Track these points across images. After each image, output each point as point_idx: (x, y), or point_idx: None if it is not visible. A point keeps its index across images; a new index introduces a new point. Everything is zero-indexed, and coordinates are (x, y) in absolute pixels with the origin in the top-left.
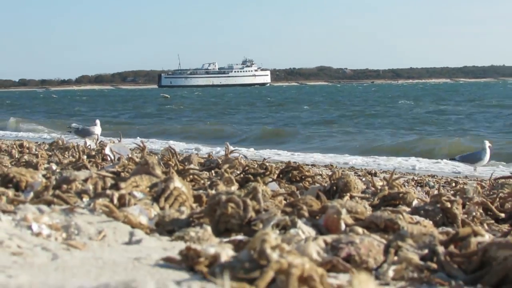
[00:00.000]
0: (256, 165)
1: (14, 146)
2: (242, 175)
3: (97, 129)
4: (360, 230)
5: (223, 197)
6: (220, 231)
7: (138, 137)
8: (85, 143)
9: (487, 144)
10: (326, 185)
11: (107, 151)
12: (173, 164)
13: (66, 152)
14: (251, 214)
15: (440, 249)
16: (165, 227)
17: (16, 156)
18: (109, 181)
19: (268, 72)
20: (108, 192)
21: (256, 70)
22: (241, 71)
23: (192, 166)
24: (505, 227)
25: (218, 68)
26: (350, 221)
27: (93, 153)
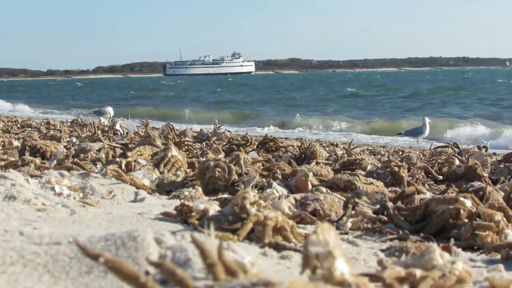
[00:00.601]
0: (239, 138)
1: (42, 124)
2: (227, 146)
3: (110, 110)
4: (324, 189)
5: (212, 163)
6: (209, 191)
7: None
8: (100, 120)
9: (427, 120)
10: (296, 153)
11: (117, 127)
12: (171, 137)
13: (85, 128)
14: (235, 177)
15: (390, 204)
16: (164, 188)
17: (44, 131)
18: (118, 151)
19: (253, 63)
20: (117, 159)
21: (243, 61)
22: (230, 62)
23: (186, 138)
24: (442, 186)
25: (212, 60)
26: (315, 182)
27: (106, 128)
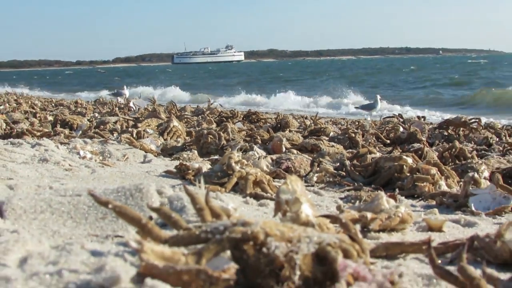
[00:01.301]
0: (228, 112)
1: (72, 103)
2: (218, 118)
3: (126, 91)
4: (295, 151)
5: (205, 131)
6: (203, 154)
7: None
8: (117, 100)
9: (379, 97)
10: (273, 123)
11: (131, 104)
12: (173, 112)
13: (105, 106)
14: (223, 142)
15: (347, 162)
16: (167, 152)
17: (72, 108)
18: (131, 123)
19: (242, 53)
20: (130, 129)
21: (234, 52)
22: (225, 53)
23: (186, 113)
24: (389, 148)
25: (210, 51)
26: (288, 145)
27: (122, 106)
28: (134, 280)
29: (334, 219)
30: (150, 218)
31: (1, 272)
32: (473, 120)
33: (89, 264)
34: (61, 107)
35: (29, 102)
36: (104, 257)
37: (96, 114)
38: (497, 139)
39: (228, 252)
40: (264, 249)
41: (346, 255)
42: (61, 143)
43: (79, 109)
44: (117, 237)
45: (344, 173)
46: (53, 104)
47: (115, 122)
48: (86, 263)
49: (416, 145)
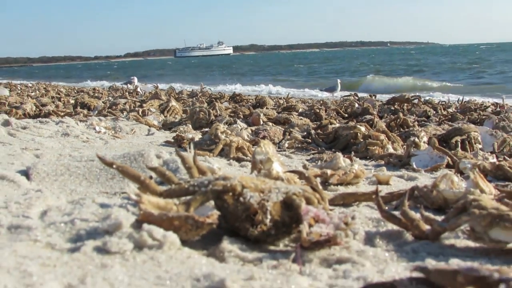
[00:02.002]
0: (217, 94)
1: (90, 89)
2: (209, 99)
3: (135, 80)
4: (270, 124)
5: (197, 109)
6: (196, 127)
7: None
8: (128, 86)
9: (339, 81)
10: (253, 102)
11: (138, 89)
12: (172, 94)
13: (117, 91)
14: (212, 117)
15: (312, 132)
16: (167, 126)
17: (91, 94)
18: (137, 103)
19: (231, 48)
20: (137, 109)
21: (225, 47)
22: (217, 47)
23: (183, 96)
24: (346, 120)
25: (205, 46)
26: (265, 119)
27: (131, 91)
28: (133, 226)
29: (299, 174)
30: (150, 177)
31: (24, 223)
32: (414, 97)
33: (97, 214)
34: (82, 93)
35: (56, 90)
36: (110, 208)
37: (110, 98)
38: (434, 112)
39: (212, 202)
40: (241, 199)
41: (309, 202)
42: (80, 121)
43: (96, 94)
44: (123, 193)
45: (310, 140)
46: (75, 91)
47: (125, 103)
48: (95, 214)
49: (368, 117)
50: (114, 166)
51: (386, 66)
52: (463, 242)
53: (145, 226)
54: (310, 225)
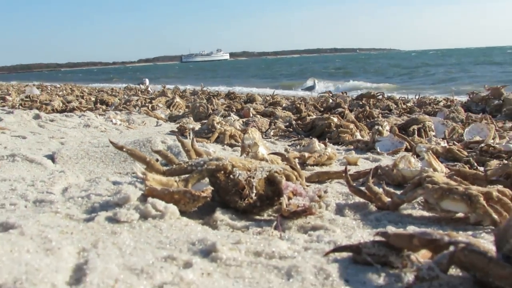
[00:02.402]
0: (215, 92)
1: (108, 89)
2: (207, 96)
3: (147, 81)
4: (259, 116)
5: (198, 104)
6: (196, 119)
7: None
8: (140, 86)
9: (316, 81)
10: (245, 99)
11: (148, 89)
12: (177, 92)
13: (132, 91)
14: (210, 111)
15: (294, 122)
16: (172, 119)
17: (109, 92)
18: (148, 100)
19: (228, 54)
20: (147, 104)
21: (222, 53)
22: (216, 54)
23: (186, 93)
24: (321, 113)
25: (206, 53)
26: (254, 112)
27: (143, 90)
28: (140, 199)
29: (281, 155)
30: (157, 160)
31: (47, 197)
32: (379, 94)
33: (110, 190)
34: (102, 92)
35: (80, 89)
36: (121, 185)
37: (125, 96)
38: (395, 106)
39: (207, 179)
40: (231, 176)
41: (288, 179)
42: (100, 115)
43: (113, 93)
44: (133, 173)
45: (291, 129)
46: (96, 90)
47: (137, 100)
48: (108, 190)
49: (340, 109)
50: (124, 149)
51: (341, 69)
52: (418, 212)
53: (150, 199)
54: (289, 198)
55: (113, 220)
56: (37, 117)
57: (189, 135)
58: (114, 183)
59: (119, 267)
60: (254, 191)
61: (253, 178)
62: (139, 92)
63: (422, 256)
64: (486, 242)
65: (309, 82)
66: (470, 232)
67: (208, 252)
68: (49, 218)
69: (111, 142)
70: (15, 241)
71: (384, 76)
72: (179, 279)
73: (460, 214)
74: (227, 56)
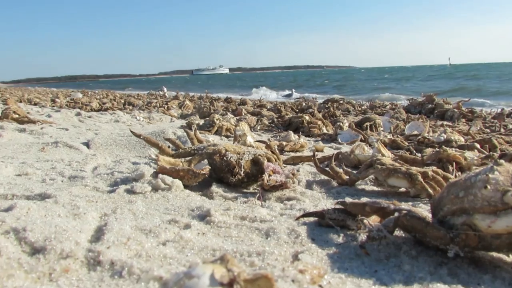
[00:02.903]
0: (216, 97)
1: (135, 94)
2: (210, 100)
3: (165, 89)
4: (249, 115)
5: (203, 106)
6: (201, 117)
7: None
8: (159, 92)
9: (293, 90)
10: (239, 102)
11: (165, 94)
12: (187, 97)
13: (152, 96)
14: (212, 111)
15: (275, 119)
16: (183, 117)
17: (135, 97)
18: (164, 103)
19: (228, 69)
20: (164, 106)
21: (223, 68)
22: (219, 69)
23: (194, 98)
24: (297, 113)
25: (211, 68)
26: (245, 112)
27: (161, 95)
28: (152, 176)
29: (264, 143)
30: (168, 146)
31: (80, 174)
32: (341, 99)
33: (130, 168)
34: (130, 96)
35: (113, 94)
36: (139, 165)
37: (148, 99)
38: (353, 108)
39: (206, 160)
40: (225, 158)
41: (269, 160)
42: (127, 113)
43: (138, 97)
44: (149, 156)
45: (274, 125)
46: (126, 95)
47: (156, 102)
48: (128, 168)
49: (311, 110)
50: (141, 137)
51: (310, 81)
52: (370, 187)
53: (160, 175)
54: (269, 175)
55: (130, 191)
56: (78, 114)
57: (194, 128)
58: (134, 163)
59: (132, 228)
60: (243, 170)
61: (242, 159)
62: (158, 96)
63: (373, 220)
64: (423, 210)
65: (288, 91)
66: (410, 203)
67: (204, 217)
68: (79, 190)
69: (132, 132)
70: (49, 208)
71: (332, 86)
72: (179, 238)
73: (403, 189)
74: (227, 71)
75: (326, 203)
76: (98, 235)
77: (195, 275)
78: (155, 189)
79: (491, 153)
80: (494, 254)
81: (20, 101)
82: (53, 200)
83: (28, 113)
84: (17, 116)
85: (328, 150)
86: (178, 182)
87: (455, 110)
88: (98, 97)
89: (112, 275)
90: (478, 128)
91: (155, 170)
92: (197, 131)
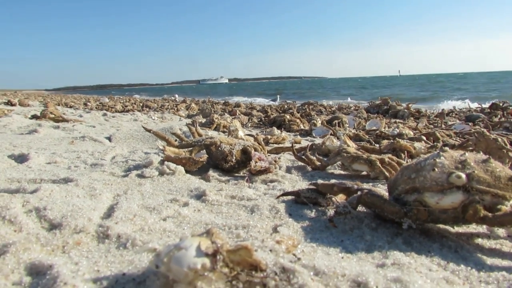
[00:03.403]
0: (215, 102)
1: (152, 99)
2: (211, 104)
3: (176, 96)
4: (242, 115)
5: (205, 107)
6: (204, 117)
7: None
8: (171, 98)
9: (278, 96)
10: (234, 105)
11: (176, 99)
12: (193, 101)
13: (166, 100)
14: (212, 112)
15: (263, 118)
16: (189, 117)
17: (152, 101)
18: (174, 105)
19: (227, 79)
20: (174, 107)
21: (224, 79)
22: (220, 79)
23: (199, 102)
24: (280, 113)
25: (214, 78)
26: (239, 112)
27: (172, 100)
28: (160, 163)
29: (252, 136)
30: (175, 140)
31: (100, 162)
32: (315, 102)
33: (142, 157)
34: (148, 100)
35: (134, 99)
36: (149, 154)
37: (161, 102)
38: (325, 109)
39: (204, 150)
40: (220, 148)
41: (256, 150)
42: (144, 114)
43: (154, 101)
44: (158, 147)
45: (262, 123)
46: (145, 100)
47: (168, 105)
48: (140, 157)
49: (291, 111)
50: (151, 131)
51: (292, 90)
52: (338, 171)
53: (166, 163)
54: (256, 162)
55: (141, 176)
56: (104, 114)
57: (196, 125)
58: (145, 153)
59: (138, 206)
60: (234, 158)
61: (234, 149)
62: (170, 100)
63: (340, 198)
64: (381, 189)
65: (273, 97)
66: (371, 184)
67: (200, 196)
68: (98, 175)
69: (144, 127)
70: (70, 190)
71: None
72: (178, 214)
73: (364, 172)
74: (226, 80)
75: (302, 185)
76: (110, 212)
77: (183, 247)
78: (162, 173)
79: (435, 143)
80: (441, 226)
81: (59, 105)
82: (74, 183)
83: (63, 114)
84: (53, 116)
85: (305, 142)
86: (180, 168)
87: (406, 110)
88: (122, 101)
89: (118, 246)
90: (424, 124)
91: (162, 158)
92: (198, 127)
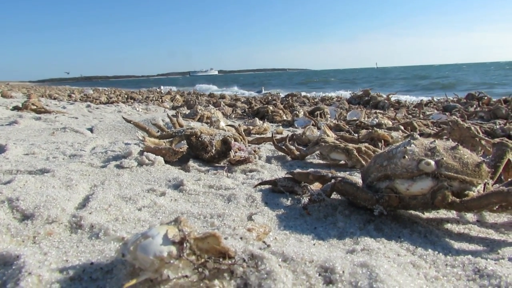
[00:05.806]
0: (199, 93)
1: (137, 91)
2: (196, 95)
3: (162, 87)
4: (226, 106)
5: (189, 99)
6: (188, 108)
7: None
8: (157, 89)
9: (263, 87)
10: (219, 97)
11: (162, 90)
12: (178, 93)
13: (151, 92)
14: (197, 103)
15: (247, 110)
16: (174, 108)
17: (137, 93)
18: (159, 96)
19: (217, 71)
20: (158, 99)
21: (214, 71)
22: (210, 71)
23: (184, 93)
24: (263, 104)
25: (204, 70)
26: (223, 104)
27: (158, 91)
28: (139, 153)
29: (233, 126)
30: (157, 131)
31: (79, 153)
32: (298, 93)
33: (122, 148)
34: (132, 92)
35: (119, 91)
36: (130, 145)
37: (146, 95)
38: (308, 100)
39: (184, 141)
40: (200, 138)
41: (236, 140)
42: (128, 105)
43: (139, 93)
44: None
45: (245, 114)
46: (130, 91)
47: (153, 97)
48: (120, 148)
49: (274, 102)
50: (132, 122)
51: (276, 81)
52: (317, 161)
53: (145, 153)
54: (235, 152)
55: (120, 166)
56: (88, 106)
57: (178, 115)
58: (126, 144)
59: (114, 196)
60: (214, 148)
61: (214, 140)
62: (155, 92)
63: (316, 186)
64: (357, 178)
65: (258, 88)
66: (348, 172)
67: (178, 186)
68: (76, 166)
69: (124, 118)
70: (46, 180)
71: (293, 84)
72: (154, 203)
73: (342, 162)
74: (216, 72)
75: (281, 174)
76: (85, 202)
77: (150, 235)
78: (141, 164)
79: (412, 132)
80: (413, 212)
81: (42, 96)
82: (51, 174)
83: (46, 105)
84: (35, 107)
85: (287, 133)
86: (160, 158)
87: (386, 101)
88: (106, 93)
89: (90, 236)
90: (403, 114)
91: (141, 149)
92: (180, 118)
